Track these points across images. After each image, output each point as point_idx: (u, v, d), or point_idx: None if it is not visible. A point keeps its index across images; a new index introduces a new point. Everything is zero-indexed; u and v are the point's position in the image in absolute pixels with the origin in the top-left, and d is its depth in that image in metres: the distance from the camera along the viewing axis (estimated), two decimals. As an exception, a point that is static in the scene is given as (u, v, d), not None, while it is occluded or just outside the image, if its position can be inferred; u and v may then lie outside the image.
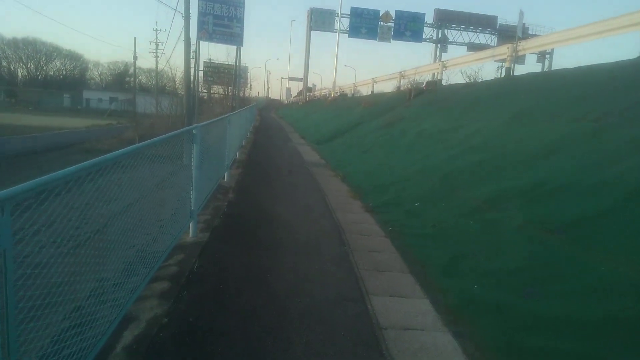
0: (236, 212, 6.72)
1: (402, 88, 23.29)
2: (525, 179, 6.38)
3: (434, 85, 18.18)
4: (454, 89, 15.72)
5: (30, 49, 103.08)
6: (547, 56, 61.45)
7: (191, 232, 5.33)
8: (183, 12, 20.61)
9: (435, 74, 21.08)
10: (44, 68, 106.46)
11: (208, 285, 4.15)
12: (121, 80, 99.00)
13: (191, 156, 5.01)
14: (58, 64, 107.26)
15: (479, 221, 5.88)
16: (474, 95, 13.14)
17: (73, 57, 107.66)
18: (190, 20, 22.44)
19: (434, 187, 7.82)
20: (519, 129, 8.58)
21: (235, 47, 27.17)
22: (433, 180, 8.12)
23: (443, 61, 18.93)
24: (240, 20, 24.13)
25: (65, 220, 2.34)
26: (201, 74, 53.17)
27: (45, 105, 76.67)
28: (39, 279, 2.04)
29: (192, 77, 23.63)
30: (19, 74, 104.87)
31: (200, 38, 23.63)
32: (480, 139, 9.04)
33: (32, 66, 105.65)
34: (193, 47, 24.08)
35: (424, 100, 16.64)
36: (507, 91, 11.87)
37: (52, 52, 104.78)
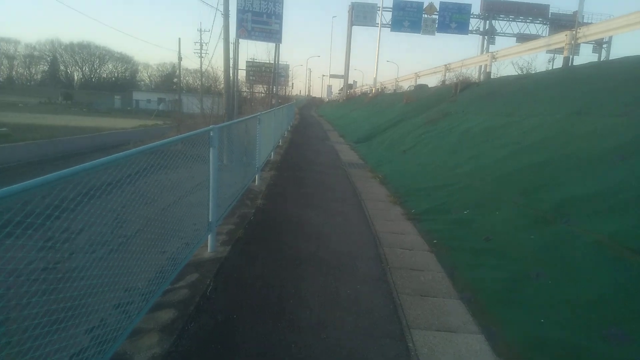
0: (263, 221, 6.14)
1: (447, 82, 22.10)
2: (598, 185, 5.39)
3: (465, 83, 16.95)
4: (505, 81, 14.49)
5: (85, 52, 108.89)
6: (604, 46, 57.57)
7: (210, 246, 4.78)
8: (222, 11, 20.43)
9: (483, 66, 19.77)
10: (98, 71, 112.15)
11: (221, 314, 3.56)
12: (169, 81, 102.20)
13: (208, 162, 4.46)
14: (110, 66, 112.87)
15: (544, 235, 4.98)
16: (527, 88, 11.96)
17: (124, 59, 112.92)
18: (230, 18, 22.31)
19: (487, 192, 6.92)
20: (584, 125, 7.49)
21: (272, 46, 26.88)
22: (485, 185, 7.21)
23: (492, 52, 17.61)
24: (279, 17, 23.72)
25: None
26: (243, 73, 53.73)
27: (98, 106, 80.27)
28: None
29: (231, 76, 23.50)
30: (75, 77, 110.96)
31: (239, 36, 23.43)
32: (538, 136, 8.00)
33: (87, 69, 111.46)
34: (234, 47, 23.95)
35: (471, 95, 15.51)
36: (566, 83, 10.64)
37: (105, 55, 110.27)
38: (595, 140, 6.74)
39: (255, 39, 23.71)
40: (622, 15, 12.20)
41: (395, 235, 6.09)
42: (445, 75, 22.50)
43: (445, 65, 22.45)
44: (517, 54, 16.27)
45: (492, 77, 17.58)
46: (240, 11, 22.97)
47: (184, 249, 4.02)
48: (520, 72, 15.81)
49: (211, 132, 4.38)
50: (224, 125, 4.93)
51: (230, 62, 22.43)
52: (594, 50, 56.68)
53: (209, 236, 4.72)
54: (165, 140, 3.50)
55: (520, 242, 5.09)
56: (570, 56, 12.97)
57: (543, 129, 8.28)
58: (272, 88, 27.05)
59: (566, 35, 12.66)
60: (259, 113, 8.10)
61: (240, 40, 24.16)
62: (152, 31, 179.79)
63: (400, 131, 15.92)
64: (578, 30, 12.11)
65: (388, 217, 7.05)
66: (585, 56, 58.80)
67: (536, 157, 7.17)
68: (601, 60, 48.44)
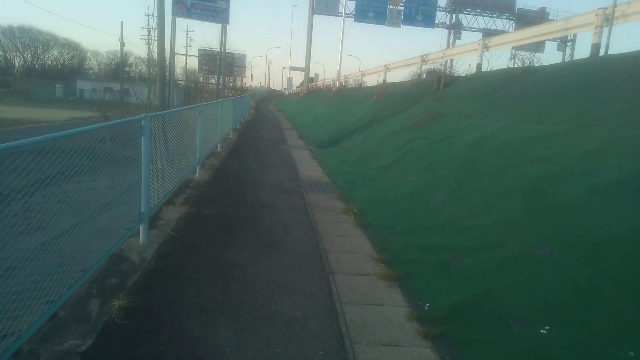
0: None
1: (423, 76, 18.95)
2: None
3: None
4: (508, 75, 11.34)
5: (26, 37, 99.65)
6: (568, 44, 57.19)
7: None
8: (154, -18, 16.47)
9: (444, 61, 16.71)
10: (41, 57, 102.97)
11: None
12: (120, 69, 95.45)
13: None
14: (55, 53, 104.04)
15: None
16: (552, 85, 8.78)
17: (70, 46, 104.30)
18: (167, -7, 18.21)
19: (580, 279, 3.52)
20: None
21: (229, 34, 22.76)
22: (565, 260, 3.81)
23: (484, 40, 14.52)
24: (225, -8, 19.76)
25: None
26: (195, 61, 49.14)
27: (36, 96, 73.33)
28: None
29: (167, 62, 19.50)
30: (16, 64, 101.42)
31: (176, 14, 19.25)
32: (631, 161, 4.72)
33: (29, 55, 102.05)
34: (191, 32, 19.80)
35: (462, 91, 12.29)
36: (617, 77, 7.51)
37: (49, 41, 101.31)
38: None
39: (197, 18, 19.61)
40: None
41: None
42: (421, 68, 19.32)
43: (422, 56, 19.27)
44: (517, 41, 13.23)
45: (482, 70, 14.48)
46: (178, -17, 18.83)
47: None
48: (521, 64, 12.76)
49: None
50: None
51: (167, 45, 18.36)
52: (559, 48, 56.20)
53: None
54: None
55: None
56: (603, 43, 9.89)
57: (626, 147, 5.01)
58: (218, 78, 23.01)
59: (597, 14, 9.59)
60: (136, 117, 4.38)
61: (191, 25, 20.09)
62: (100, 16, 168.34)
63: (375, 135, 12.50)
64: (616, 7, 9.03)
65: (384, 328, 3.52)
66: (550, 55, 58.17)
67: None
68: (565, 59, 47.16)
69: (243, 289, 3.94)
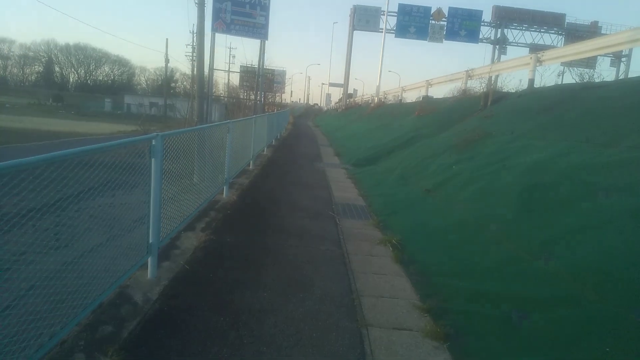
0: None
1: (467, 91, 17.99)
2: None
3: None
4: (565, 92, 10.30)
5: (81, 54, 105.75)
6: (623, 59, 54.10)
7: None
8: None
9: (490, 76, 15.63)
10: (93, 73, 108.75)
11: None
12: (166, 85, 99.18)
13: None
14: (107, 69, 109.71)
15: None
16: (620, 102, 7.73)
17: (121, 62, 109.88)
18: (208, 9, 18.26)
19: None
20: None
21: (270, 50, 22.67)
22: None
23: (537, 53, 13.45)
24: (265, 8, 19.60)
25: None
26: (237, 77, 49.96)
27: (86, 109, 76.81)
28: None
29: (206, 77, 19.46)
30: (71, 79, 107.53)
31: (215, 30, 19.26)
32: None
33: (82, 71, 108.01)
34: (232, 47, 19.84)
35: (512, 109, 11.30)
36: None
37: (101, 58, 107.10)
38: None
39: (236, 34, 19.55)
40: None
41: None
42: (466, 84, 18.36)
43: (467, 71, 18.31)
44: (575, 55, 12.08)
45: (535, 86, 13.41)
46: (218, 0, 18.86)
47: None
48: (579, 80, 11.65)
49: None
50: None
51: (206, 61, 18.33)
52: (612, 64, 53.19)
53: None
54: None
55: None
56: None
57: None
58: (256, 93, 22.84)
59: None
60: (144, 136, 3.85)
61: (233, 42, 20.16)
62: (149, 35, 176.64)
63: (417, 154, 11.67)
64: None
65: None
66: (601, 71, 55.08)
67: None
68: (619, 76, 44.34)
69: (257, 346, 3.26)
